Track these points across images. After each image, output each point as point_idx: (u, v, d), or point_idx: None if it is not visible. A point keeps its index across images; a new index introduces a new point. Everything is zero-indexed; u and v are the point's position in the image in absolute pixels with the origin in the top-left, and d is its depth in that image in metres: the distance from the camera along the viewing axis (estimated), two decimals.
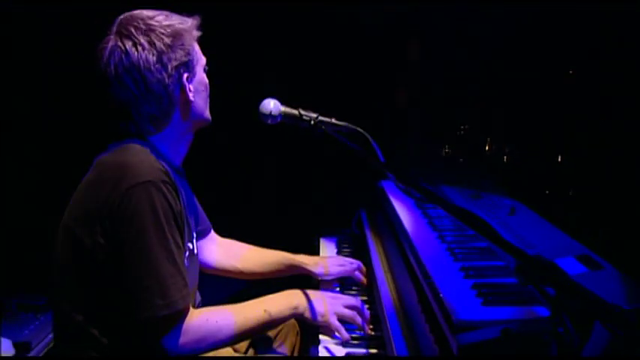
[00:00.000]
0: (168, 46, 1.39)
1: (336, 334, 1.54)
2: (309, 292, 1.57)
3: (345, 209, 2.40)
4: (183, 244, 1.38)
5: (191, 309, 1.36)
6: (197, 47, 1.47)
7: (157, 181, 1.29)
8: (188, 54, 1.42)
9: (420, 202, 1.91)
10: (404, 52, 2.83)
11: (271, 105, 1.58)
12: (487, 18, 2.53)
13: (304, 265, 1.88)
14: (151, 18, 1.41)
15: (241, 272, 1.85)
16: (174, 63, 1.40)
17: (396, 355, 1.34)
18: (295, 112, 1.59)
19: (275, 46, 2.85)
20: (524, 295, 1.18)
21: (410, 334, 1.43)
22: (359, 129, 1.63)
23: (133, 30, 1.38)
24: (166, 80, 1.39)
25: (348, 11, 2.78)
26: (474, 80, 2.64)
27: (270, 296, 1.52)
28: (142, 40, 1.37)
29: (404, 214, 1.82)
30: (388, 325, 1.48)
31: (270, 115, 1.58)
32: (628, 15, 1.75)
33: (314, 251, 2.28)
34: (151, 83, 1.38)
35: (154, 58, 1.37)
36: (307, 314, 1.52)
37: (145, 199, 1.27)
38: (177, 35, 1.41)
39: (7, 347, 1.93)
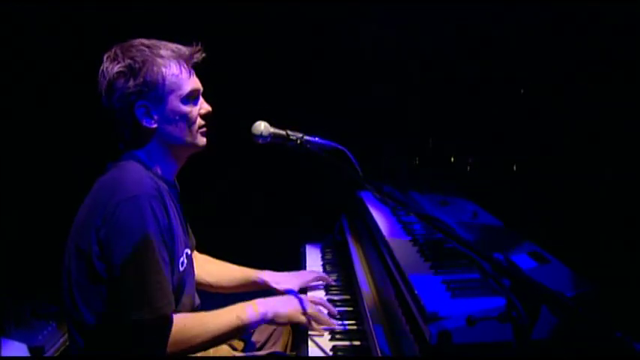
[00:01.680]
0: (121, 75, 1.42)
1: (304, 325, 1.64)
2: (277, 298, 1.68)
3: (328, 217, 2.48)
4: (172, 255, 1.44)
5: (173, 315, 1.42)
6: (176, 77, 1.46)
7: (144, 196, 1.35)
8: (145, 84, 1.42)
9: (394, 210, 2.02)
10: (379, 73, 2.95)
11: (262, 127, 1.62)
12: (453, 39, 2.68)
13: (267, 283, 1.94)
14: (125, 48, 1.45)
15: (211, 286, 1.91)
16: (125, 91, 1.42)
17: (377, 343, 1.44)
18: (283, 132, 1.64)
19: (261, 73, 2.94)
20: (486, 288, 1.30)
21: (388, 326, 1.52)
22: (340, 146, 1.73)
23: (105, 57, 1.45)
24: (115, 105, 1.44)
25: (325, 35, 2.89)
26: (440, 100, 2.78)
27: (242, 304, 1.60)
28: (105, 66, 1.44)
29: (381, 220, 1.93)
30: (369, 318, 1.57)
31: (260, 135, 1.62)
32: (576, 32, 1.91)
33: (300, 257, 2.37)
34: (113, 105, 1.45)
35: (106, 84, 1.44)
36: (276, 319, 1.61)
37: (135, 211, 1.34)
38: (134, 66, 1.42)
39: (22, 351, 1.97)
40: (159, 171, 1.52)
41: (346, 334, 1.66)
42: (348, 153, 1.71)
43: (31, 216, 2.47)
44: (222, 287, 1.94)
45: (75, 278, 1.41)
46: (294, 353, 1.86)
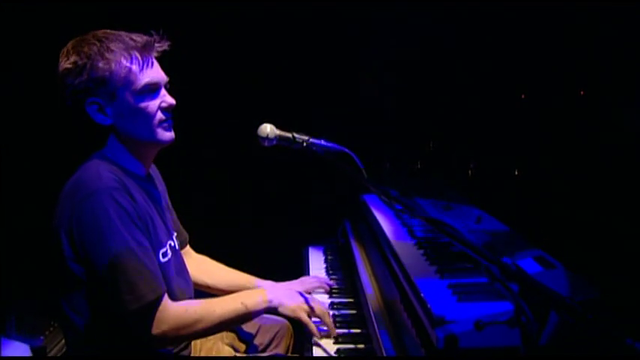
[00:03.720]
0: (69, 71, 1.38)
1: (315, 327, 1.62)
2: (285, 288, 1.66)
3: (331, 221, 2.48)
4: (152, 243, 1.41)
5: (171, 302, 1.41)
6: (128, 72, 1.39)
7: (103, 189, 1.33)
8: (94, 80, 1.37)
9: (398, 213, 2.01)
10: (380, 78, 2.95)
11: (268, 129, 1.62)
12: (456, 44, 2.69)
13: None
14: (76, 43, 1.40)
15: (208, 287, 1.89)
16: (74, 88, 1.38)
17: (382, 347, 1.43)
18: (289, 135, 1.64)
19: (266, 75, 2.94)
20: (492, 292, 1.29)
21: (393, 329, 1.52)
22: (345, 149, 1.73)
23: (64, 50, 1.41)
24: (67, 101, 1.41)
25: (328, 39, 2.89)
26: (441, 106, 2.79)
27: (249, 291, 1.58)
28: (61, 61, 1.40)
29: (385, 224, 1.92)
30: (374, 322, 1.57)
31: (266, 138, 1.62)
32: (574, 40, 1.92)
33: (302, 259, 2.36)
34: (67, 102, 1.41)
35: (58, 80, 1.41)
36: (280, 309, 1.59)
37: (97, 207, 1.31)
38: (81, 62, 1.37)
39: (24, 352, 1.96)
40: (128, 166, 1.47)
41: (350, 338, 1.66)
42: (353, 156, 1.71)
43: (32, 214, 2.45)
44: (219, 289, 1.91)
45: (57, 285, 1.41)
46: (297, 355, 1.85)
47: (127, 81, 1.40)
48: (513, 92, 2.36)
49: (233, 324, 1.60)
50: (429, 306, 1.24)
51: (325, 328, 1.66)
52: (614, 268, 1.42)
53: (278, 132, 1.64)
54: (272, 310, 1.60)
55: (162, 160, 1.68)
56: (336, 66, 2.91)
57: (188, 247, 1.90)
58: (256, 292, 1.59)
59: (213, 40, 2.82)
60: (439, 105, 2.82)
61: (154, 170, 1.69)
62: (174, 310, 1.40)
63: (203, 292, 1.90)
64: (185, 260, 1.74)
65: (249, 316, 1.55)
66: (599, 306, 1.19)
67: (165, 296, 1.40)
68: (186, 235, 1.86)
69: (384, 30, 2.86)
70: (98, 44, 1.39)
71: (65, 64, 1.39)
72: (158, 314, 1.36)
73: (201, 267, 1.90)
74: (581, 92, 2.01)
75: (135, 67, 1.40)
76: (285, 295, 1.62)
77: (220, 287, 1.91)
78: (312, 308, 1.63)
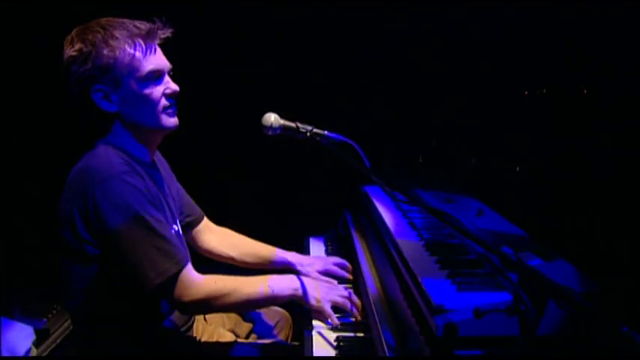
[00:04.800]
0: (74, 59, 1.39)
1: (328, 320, 1.63)
2: (308, 278, 1.66)
3: (332, 211, 2.48)
4: (166, 214, 1.45)
5: (198, 274, 1.44)
6: (132, 58, 1.40)
7: (115, 174, 1.35)
8: (99, 68, 1.38)
9: (400, 205, 2.02)
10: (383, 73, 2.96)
11: (272, 118, 1.62)
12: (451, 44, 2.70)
13: (291, 264, 1.93)
14: (80, 31, 1.41)
15: (233, 259, 1.91)
16: (80, 75, 1.39)
17: (381, 334, 1.45)
18: (293, 124, 1.64)
19: (273, 64, 2.94)
20: (492, 283, 1.31)
21: (393, 319, 1.53)
22: (349, 140, 1.73)
23: (69, 38, 1.42)
24: (72, 89, 1.41)
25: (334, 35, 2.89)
26: (442, 103, 2.80)
27: (275, 276, 1.60)
28: (64, 49, 1.41)
29: (386, 215, 1.93)
30: (374, 311, 1.57)
31: (270, 127, 1.62)
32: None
33: (303, 250, 2.37)
34: (72, 91, 1.43)
35: (63, 68, 1.42)
36: (304, 298, 1.60)
37: (110, 192, 1.34)
38: (87, 49, 1.38)
39: (28, 334, 1.98)
40: (133, 153, 1.49)
41: (350, 326, 1.66)
42: (357, 147, 1.71)
43: (36, 199, 2.47)
44: (244, 262, 1.92)
45: (69, 271, 1.43)
46: (297, 343, 1.87)
47: (132, 68, 1.41)
48: (516, 88, 2.37)
49: (256, 305, 1.64)
50: (428, 295, 1.26)
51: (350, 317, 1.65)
52: (615, 262, 1.43)
53: (282, 121, 1.64)
54: (295, 300, 1.61)
55: (165, 148, 1.69)
56: (339, 59, 2.91)
57: (207, 220, 1.92)
58: (285, 278, 1.59)
59: (216, 29, 2.82)
60: (441, 99, 2.82)
61: (158, 157, 1.71)
62: (205, 281, 1.44)
63: (228, 264, 1.90)
64: (206, 234, 1.81)
65: (273, 300, 1.56)
66: (599, 298, 1.21)
67: (190, 266, 1.43)
68: (200, 211, 1.87)
69: (386, 24, 2.86)
70: (102, 32, 1.40)
71: (70, 51, 1.40)
72: (184, 284, 1.40)
73: (224, 240, 1.92)
74: (585, 90, 2.01)
75: (139, 54, 1.41)
76: (314, 286, 1.61)
77: (245, 260, 1.93)
78: (336, 300, 1.63)
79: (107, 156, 1.41)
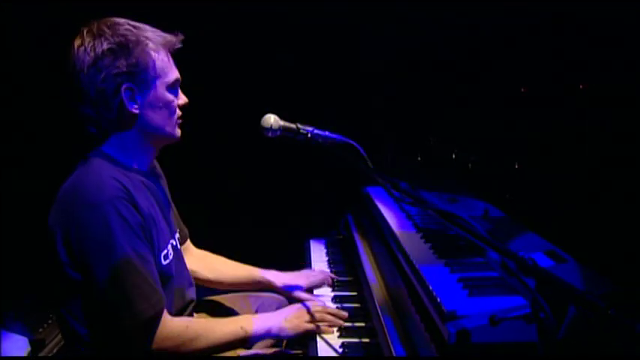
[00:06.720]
0: (111, 52, 1.32)
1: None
2: (281, 312, 1.61)
3: (332, 214, 2.44)
4: (154, 250, 1.38)
5: (171, 317, 1.38)
6: (163, 63, 1.39)
7: (105, 200, 1.27)
8: (136, 65, 1.34)
9: (403, 206, 1.97)
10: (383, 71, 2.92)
11: (272, 120, 1.58)
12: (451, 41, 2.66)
13: (271, 283, 1.88)
14: (112, 25, 1.35)
15: (210, 282, 1.86)
16: (114, 70, 1.32)
17: (389, 341, 1.40)
18: (293, 126, 1.60)
19: (272, 64, 2.90)
20: (504, 287, 1.26)
21: (400, 324, 1.48)
22: (350, 140, 1.68)
23: (86, 32, 1.34)
24: (99, 85, 1.32)
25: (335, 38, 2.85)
26: (440, 101, 2.76)
27: (248, 316, 1.56)
28: (87, 41, 1.32)
29: (390, 216, 1.88)
30: (380, 316, 1.53)
31: (270, 128, 1.58)
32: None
33: (304, 252, 2.33)
34: (84, 83, 1.33)
35: (90, 61, 1.32)
36: (282, 334, 1.56)
37: (99, 220, 1.26)
38: (126, 44, 1.33)
39: (23, 345, 1.92)
40: (131, 163, 1.43)
41: (355, 331, 1.62)
42: (358, 147, 1.67)
43: (32, 209, 2.41)
44: (221, 283, 1.87)
45: (55, 286, 1.37)
46: (301, 351, 1.82)
47: (162, 73, 1.40)
48: (514, 86, 2.33)
49: (231, 347, 1.54)
50: (439, 301, 1.21)
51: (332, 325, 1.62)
52: (626, 262, 1.38)
53: (282, 123, 1.61)
54: (274, 337, 1.58)
55: (165, 149, 1.63)
56: (339, 61, 2.87)
57: (188, 242, 1.85)
58: (259, 319, 1.55)
59: (216, 29, 2.77)
60: (439, 98, 2.78)
61: (156, 166, 1.65)
62: (176, 326, 1.38)
63: (206, 287, 1.86)
64: (185, 256, 1.69)
65: (247, 340, 1.51)
66: (615, 300, 1.16)
67: (165, 312, 1.36)
68: (186, 230, 1.81)
69: (385, 24, 2.82)
70: (136, 31, 1.36)
71: (105, 44, 1.31)
72: (156, 330, 1.33)
73: (202, 262, 1.85)
74: (581, 86, 1.98)
75: (169, 62, 1.42)
76: (281, 319, 1.57)
77: (222, 280, 1.87)
78: (311, 315, 1.59)
79: (100, 175, 1.32)
